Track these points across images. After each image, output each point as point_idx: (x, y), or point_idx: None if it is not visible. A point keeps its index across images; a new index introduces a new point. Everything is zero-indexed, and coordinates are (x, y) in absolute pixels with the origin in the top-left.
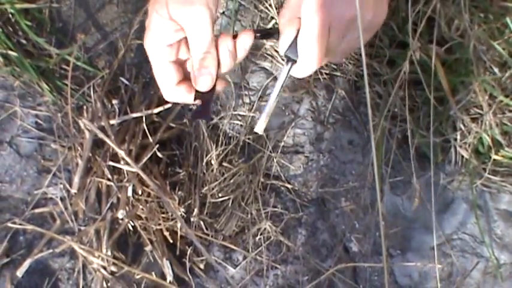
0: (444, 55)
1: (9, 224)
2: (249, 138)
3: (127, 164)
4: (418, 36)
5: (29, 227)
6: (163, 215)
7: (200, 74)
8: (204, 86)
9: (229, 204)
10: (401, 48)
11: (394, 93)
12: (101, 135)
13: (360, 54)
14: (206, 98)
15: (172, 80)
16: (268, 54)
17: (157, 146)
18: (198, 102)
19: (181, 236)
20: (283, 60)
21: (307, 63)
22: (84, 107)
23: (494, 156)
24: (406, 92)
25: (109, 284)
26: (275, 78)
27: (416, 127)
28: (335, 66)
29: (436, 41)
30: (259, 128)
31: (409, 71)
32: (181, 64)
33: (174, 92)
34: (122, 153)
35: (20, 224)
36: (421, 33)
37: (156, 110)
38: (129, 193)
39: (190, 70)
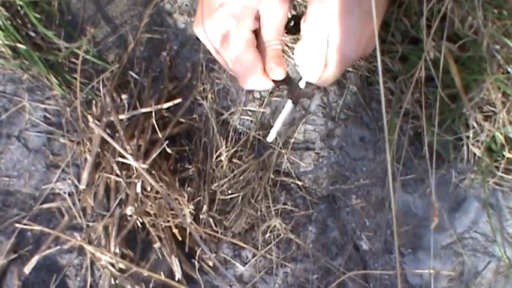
0: (457, 52)
1: (16, 225)
2: (259, 134)
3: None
4: (432, 34)
5: (37, 227)
6: (172, 212)
7: (276, 63)
8: (280, 74)
9: (239, 201)
10: (413, 44)
11: (408, 92)
12: (106, 136)
13: (373, 51)
14: (287, 81)
15: (259, 67)
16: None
17: (167, 141)
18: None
19: (190, 233)
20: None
21: (331, 77)
22: (93, 102)
23: (507, 155)
24: (423, 91)
25: (117, 281)
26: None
27: (428, 124)
28: None
29: (449, 38)
30: (271, 137)
31: (424, 69)
32: None
33: (260, 79)
34: (129, 157)
35: (26, 224)
36: (434, 30)
37: (165, 105)
38: (138, 189)
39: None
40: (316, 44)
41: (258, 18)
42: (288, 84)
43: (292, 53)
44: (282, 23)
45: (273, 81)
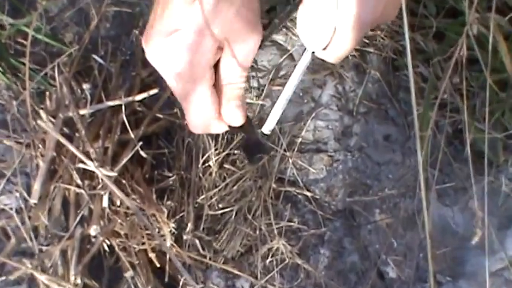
0: (508, 27)
1: None
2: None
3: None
4: (475, 4)
5: None
6: (148, 232)
7: (235, 106)
8: (238, 120)
9: (232, 218)
10: (452, 17)
11: (445, 78)
12: (62, 138)
13: (399, 25)
14: (245, 128)
15: (214, 110)
16: (282, 25)
17: (141, 142)
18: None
19: (170, 259)
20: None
21: (344, 47)
22: (47, 93)
23: None
24: (464, 76)
25: None
26: (291, 57)
27: (471, 119)
28: (367, 41)
29: (497, 9)
30: (267, 128)
31: (465, 47)
32: None
33: (213, 124)
34: (92, 163)
35: None
36: None
37: (138, 97)
38: (105, 203)
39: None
40: (322, 2)
41: (221, 48)
42: (246, 132)
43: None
44: (250, 58)
45: (229, 126)
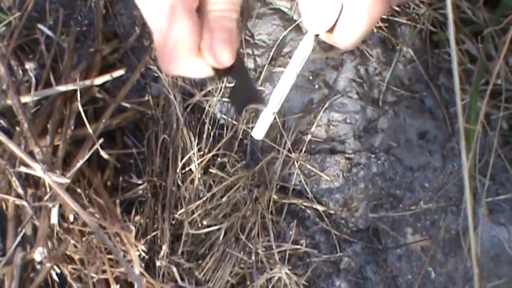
0: None
1: None
2: (252, 128)
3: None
4: None
5: None
6: (110, 256)
7: (222, 40)
8: (226, 59)
9: (221, 238)
10: None
11: (500, 58)
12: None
13: None
14: (235, 73)
15: (192, 43)
16: None
17: (102, 140)
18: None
19: None
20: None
21: (354, 28)
22: None
23: None
24: None
25: None
26: (298, 29)
27: None
28: (397, 8)
29: None
30: (259, 133)
31: None
32: None
33: (192, 63)
34: (38, 166)
35: None
36: None
37: (98, 80)
38: (54, 219)
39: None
40: None
41: None
42: (236, 76)
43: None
44: None
45: (214, 68)
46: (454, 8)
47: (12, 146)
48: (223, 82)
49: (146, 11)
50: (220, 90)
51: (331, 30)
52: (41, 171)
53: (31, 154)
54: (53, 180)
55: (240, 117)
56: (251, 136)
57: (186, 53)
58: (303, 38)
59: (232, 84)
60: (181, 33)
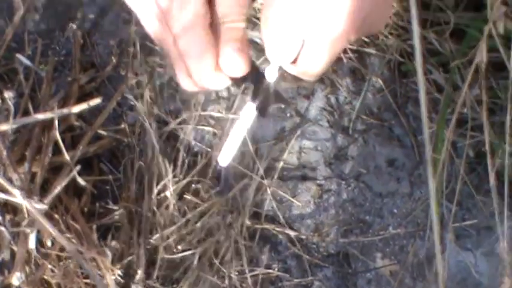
0: None
1: None
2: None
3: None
4: None
5: None
6: (86, 281)
7: (236, 50)
8: (241, 68)
9: (195, 263)
10: (474, 11)
11: (465, 87)
12: None
13: (408, 20)
14: (253, 78)
15: (211, 57)
16: (259, 18)
17: (79, 166)
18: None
19: None
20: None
21: (314, 62)
22: None
23: None
24: (482, 86)
25: None
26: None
27: (497, 139)
28: (367, 39)
29: None
30: (224, 159)
31: (485, 51)
32: None
33: (211, 76)
34: (16, 192)
35: None
36: None
37: (76, 109)
38: (32, 244)
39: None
40: (288, 6)
41: None
42: (254, 82)
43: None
44: None
45: (231, 78)
46: (422, 40)
47: None
48: (204, 109)
49: (160, 35)
50: (195, 119)
51: (294, 61)
52: (20, 197)
53: (10, 181)
54: (31, 206)
55: (266, 118)
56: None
57: (207, 69)
58: (267, 68)
59: (251, 90)
60: (201, 51)
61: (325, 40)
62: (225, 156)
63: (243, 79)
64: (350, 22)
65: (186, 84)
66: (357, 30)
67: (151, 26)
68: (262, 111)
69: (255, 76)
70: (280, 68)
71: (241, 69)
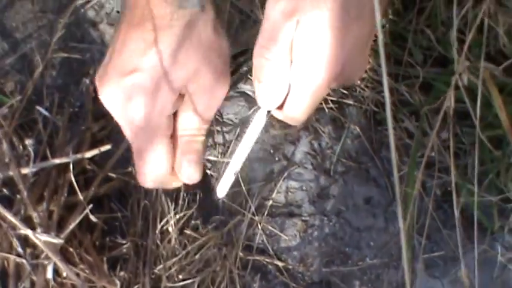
0: (503, 77)
1: None
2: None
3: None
4: (466, 51)
5: None
6: None
7: (191, 161)
8: (193, 177)
9: None
10: (440, 66)
11: (433, 134)
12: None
13: (381, 74)
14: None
15: (166, 164)
16: (251, 74)
17: (91, 205)
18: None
19: None
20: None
21: (298, 108)
22: None
23: None
24: (451, 133)
25: None
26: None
27: (462, 180)
28: (345, 91)
29: (490, 57)
30: (221, 191)
31: (453, 100)
32: None
33: (165, 180)
34: (30, 233)
35: None
36: (469, 46)
37: (88, 154)
38: (49, 274)
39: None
40: (275, 57)
41: (182, 96)
42: (203, 191)
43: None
44: (214, 109)
45: (184, 183)
46: (394, 92)
47: (7, 215)
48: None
49: (127, 134)
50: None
51: (280, 107)
52: (32, 235)
53: (30, 218)
54: (45, 242)
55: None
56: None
57: (160, 173)
58: (257, 113)
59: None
60: (157, 157)
61: (308, 88)
62: (222, 189)
63: (195, 186)
64: (330, 72)
65: (142, 181)
66: (336, 79)
67: (124, 128)
68: (207, 220)
69: (205, 186)
70: (268, 113)
71: (194, 178)
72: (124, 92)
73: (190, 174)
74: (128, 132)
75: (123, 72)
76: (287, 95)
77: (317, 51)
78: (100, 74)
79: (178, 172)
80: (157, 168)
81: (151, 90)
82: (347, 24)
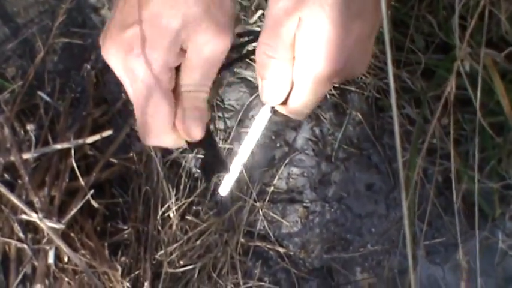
0: (504, 63)
1: None
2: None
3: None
4: (468, 37)
5: None
6: None
7: (193, 118)
8: (196, 134)
9: (195, 276)
10: (442, 53)
11: (434, 120)
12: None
13: (384, 61)
14: (205, 144)
15: (168, 119)
16: (252, 60)
17: (92, 191)
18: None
19: None
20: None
21: (301, 102)
22: None
23: None
24: (451, 119)
25: None
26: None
27: (463, 166)
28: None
29: (491, 44)
30: (224, 190)
31: (454, 86)
32: None
33: (166, 137)
34: (35, 215)
35: None
36: (471, 32)
37: (90, 139)
38: (50, 259)
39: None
40: (278, 54)
41: (184, 51)
42: (206, 148)
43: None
44: (215, 64)
45: (186, 141)
46: (396, 78)
47: (13, 198)
48: (195, 152)
49: (128, 89)
50: (195, 149)
51: (284, 102)
52: (37, 219)
53: (31, 203)
54: (48, 226)
55: (209, 183)
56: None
57: (161, 128)
58: (261, 109)
59: (202, 155)
60: (157, 111)
61: (311, 84)
62: (225, 188)
63: (196, 145)
64: (332, 68)
65: (143, 137)
66: (338, 74)
67: (124, 82)
68: (207, 175)
69: (207, 144)
70: (272, 108)
71: (196, 135)
72: (125, 44)
73: (191, 131)
74: (129, 87)
75: (124, 26)
76: (290, 90)
77: (319, 47)
78: (103, 33)
79: (179, 129)
80: (159, 123)
81: (151, 41)
82: (348, 20)
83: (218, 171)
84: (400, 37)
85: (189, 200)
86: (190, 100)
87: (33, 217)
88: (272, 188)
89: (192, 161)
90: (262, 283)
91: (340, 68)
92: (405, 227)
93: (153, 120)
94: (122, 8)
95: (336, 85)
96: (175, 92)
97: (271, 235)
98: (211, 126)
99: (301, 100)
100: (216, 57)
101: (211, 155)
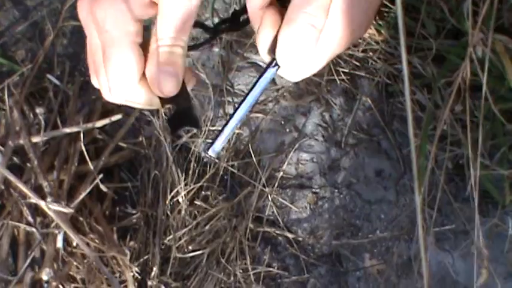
0: None
1: None
2: (232, 166)
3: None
4: (480, 24)
5: None
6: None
7: (166, 72)
8: (169, 89)
9: (204, 261)
10: (453, 38)
11: (446, 107)
12: (9, 174)
13: (394, 46)
14: (179, 102)
15: (137, 71)
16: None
17: (101, 175)
18: (168, 107)
19: None
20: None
21: (301, 67)
22: None
23: None
24: (467, 105)
25: None
26: (272, 80)
27: (474, 153)
28: (357, 63)
29: (503, 29)
30: (213, 150)
31: (469, 72)
32: None
33: (133, 90)
34: (42, 203)
35: None
36: (483, 18)
37: (99, 123)
38: (59, 244)
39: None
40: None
41: (156, 4)
42: (179, 104)
43: None
44: (188, 15)
45: (160, 98)
46: (407, 64)
47: (20, 185)
48: (212, 125)
49: (93, 41)
50: (205, 133)
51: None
52: (45, 206)
53: (40, 187)
54: (56, 212)
55: (173, 136)
56: (208, 156)
57: (132, 82)
58: (266, 68)
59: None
60: (123, 61)
61: (331, 49)
62: (215, 147)
63: (168, 101)
64: (355, 36)
65: (106, 92)
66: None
67: (87, 30)
68: (173, 129)
69: (182, 99)
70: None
71: (168, 91)
72: (102, 3)
73: (163, 86)
74: (94, 39)
75: None
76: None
77: (347, 15)
78: None
79: (151, 84)
80: (123, 75)
81: None
82: None
83: (186, 125)
84: (411, 22)
85: (198, 185)
86: (164, 55)
87: (42, 204)
88: (281, 173)
89: (201, 146)
90: (271, 269)
91: (357, 36)
92: (417, 213)
93: (120, 73)
94: None
95: (346, 70)
96: (144, 48)
97: (280, 221)
98: (220, 110)
99: (318, 63)
100: (189, 8)
101: (183, 110)
